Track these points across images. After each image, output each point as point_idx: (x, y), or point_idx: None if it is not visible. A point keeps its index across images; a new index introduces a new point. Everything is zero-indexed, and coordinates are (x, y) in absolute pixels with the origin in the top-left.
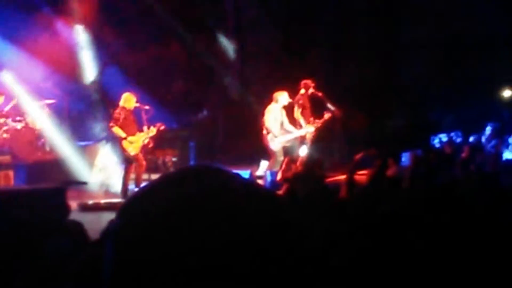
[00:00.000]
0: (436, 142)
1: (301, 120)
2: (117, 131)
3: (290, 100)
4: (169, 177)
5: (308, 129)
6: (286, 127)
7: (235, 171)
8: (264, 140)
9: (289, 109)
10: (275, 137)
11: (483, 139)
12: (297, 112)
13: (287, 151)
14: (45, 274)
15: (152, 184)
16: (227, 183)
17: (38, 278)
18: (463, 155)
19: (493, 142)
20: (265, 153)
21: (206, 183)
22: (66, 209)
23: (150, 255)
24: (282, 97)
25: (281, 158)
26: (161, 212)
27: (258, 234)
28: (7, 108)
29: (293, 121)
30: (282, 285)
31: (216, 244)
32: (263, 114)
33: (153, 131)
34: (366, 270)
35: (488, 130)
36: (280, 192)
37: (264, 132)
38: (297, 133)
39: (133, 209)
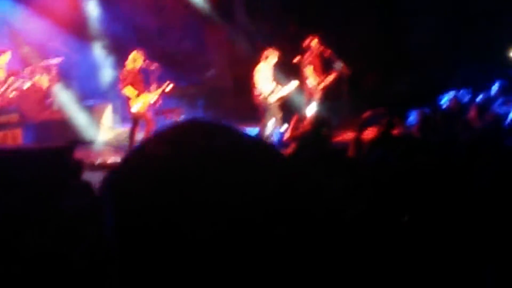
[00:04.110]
0: (444, 101)
1: (312, 78)
2: (127, 90)
3: (277, 60)
4: (176, 130)
5: (291, 86)
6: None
7: (243, 129)
8: (256, 99)
9: (279, 67)
10: (266, 96)
11: (490, 97)
12: (308, 70)
13: (289, 109)
14: (58, 234)
15: (159, 136)
16: (237, 140)
17: (49, 238)
18: (471, 114)
19: (499, 101)
20: (259, 111)
21: (217, 140)
22: (78, 167)
23: (155, 210)
24: (272, 56)
25: (279, 115)
26: (167, 166)
27: (275, 191)
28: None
29: (303, 79)
30: (303, 239)
31: (232, 201)
32: (252, 73)
33: (160, 90)
34: (376, 226)
35: (495, 88)
36: (288, 151)
37: (256, 92)
38: (286, 89)
39: (137, 160)
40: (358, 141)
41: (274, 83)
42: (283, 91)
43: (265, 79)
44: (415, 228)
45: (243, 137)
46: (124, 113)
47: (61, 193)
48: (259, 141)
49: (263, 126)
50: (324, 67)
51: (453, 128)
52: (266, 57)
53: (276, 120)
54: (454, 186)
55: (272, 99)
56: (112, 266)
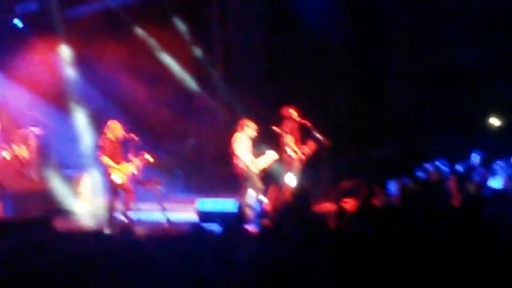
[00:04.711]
0: (422, 171)
1: (291, 148)
2: (106, 160)
3: (256, 134)
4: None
5: (270, 157)
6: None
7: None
8: (236, 168)
9: (257, 136)
10: (247, 166)
11: (469, 167)
12: (287, 139)
13: (268, 178)
14: None
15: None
16: None
17: None
18: (450, 183)
19: (479, 171)
20: (239, 181)
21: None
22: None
23: None
24: (250, 127)
25: (259, 185)
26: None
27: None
28: None
29: (282, 149)
30: None
31: None
32: (230, 143)
33: (139, 160)
34: None
35: (474, 157)
36: (268, 221)
37: (235, 161)
38: (265, 159)
39: None
40: (339, 211)
41: (252, 153)
42: (263, 161)
43: (244, 149)
44: None
45: None
46: (103, 184)
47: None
48: None
49: (243, 196)
50: (303, 137)
51: (433, 198)
52: (243, 127)
53: (257, 190)
54: (435, 256)
55: (253, 169)
56: None
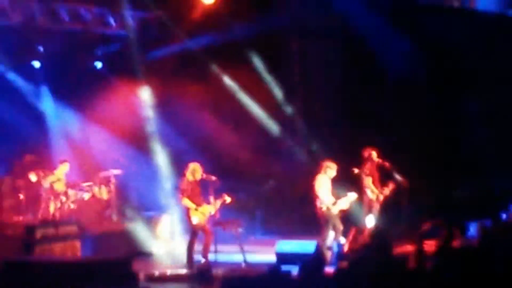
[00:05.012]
0: (505, 213)
1: (371, 189)
2: (186, 202)
3: (336, 173)
4: None
5: (351, 198)
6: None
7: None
8: (317, 210)
9: (337, 179)
10: (329, 207)
11: None
12: (367, 181)
13: (348, 220)
14: None
15: None
16: None
17: None
18: None
19: None
20: (319, 223)
21: None
22: (134, 280)
23: None
24: (331, 168)
25: (340, 227)
26: None
27: None
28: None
29: (362, 190)
30: None
31: None
32: (312, 184)
33: (219, 202)
34: None
35: None
36: (347, 263)
37: (317, 203)
38: (346, 200)
39: None
40: (419, 253)
41: (332, 194)
42: (344, 202)
43: (326, 190)
44: None
45: None
46: (182, 225)
47: None
48: None
49: (324, 238)
50: (382, 178)
51: None
52: (325, 169)
53: (337, 231)
54: None
55: (335, 210)
56: None
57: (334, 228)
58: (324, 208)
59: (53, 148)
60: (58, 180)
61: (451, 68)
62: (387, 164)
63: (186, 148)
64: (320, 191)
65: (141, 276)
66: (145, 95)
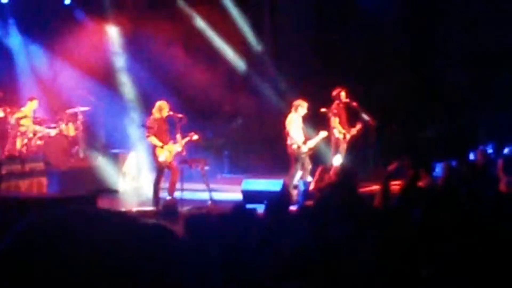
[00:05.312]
0: (472, 154)
1: (338, 129)
2: (153, 140)
3: (306, 111)
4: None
5: (320, 137)
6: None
7: (267, 179)
8: (288, 149)
9: (305, 118)
10: (300, 145)
11: None
12: (334, 121)
13: (315, 159)
14: None
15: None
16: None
17: None
18: (498, 167)
19: None
20: (288, 161)
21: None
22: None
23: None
24: (303, 107)
25: (309, 166)
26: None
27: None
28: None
29: (329, 130)
30: None
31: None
32: (284, 124)
33: (185, 140)
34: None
35: None
36: (312, 201)
37: (288, 142)
38: (317, 139)
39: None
40: (384, 192)
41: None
42: (313, 141)
43: (297, 129)
44: (435, 282)
45: (129, 224)
46: (149, 163)
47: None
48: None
49: (291, 177)
50: (350, 118)
51: (479, 181)
52: (296, 108)
53: (305, 170)
54: (478, 241)
55: (305, 149)
56: None
57: (303, 167)
58: (294, 146)
59: (20, 85)
60: (25, 116)
61: (423, 5)
62: (355, 104)
63: (154, 86)
64: (292, 129)
65: None
66: (113, 31)
